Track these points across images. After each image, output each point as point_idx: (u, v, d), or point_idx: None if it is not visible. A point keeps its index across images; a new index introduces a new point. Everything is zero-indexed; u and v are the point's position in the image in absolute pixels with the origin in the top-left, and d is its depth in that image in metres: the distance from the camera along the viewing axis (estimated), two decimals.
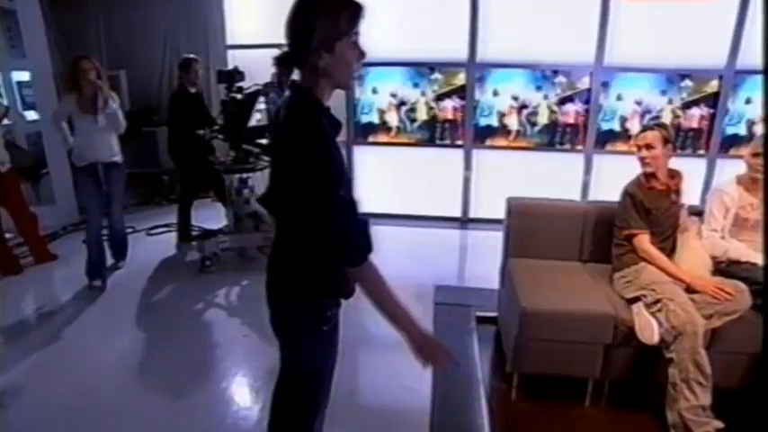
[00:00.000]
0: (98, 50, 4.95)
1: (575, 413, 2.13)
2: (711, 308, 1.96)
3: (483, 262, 3.27)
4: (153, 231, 4.25)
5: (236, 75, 3.55)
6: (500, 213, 2.63)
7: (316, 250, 1.15)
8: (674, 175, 2.23)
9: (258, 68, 3.61)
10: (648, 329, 1.98)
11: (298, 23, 1.06)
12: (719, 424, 1.85)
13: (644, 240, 2.17)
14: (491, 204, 3.57)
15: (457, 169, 4.52)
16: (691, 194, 2.37)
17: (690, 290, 2.03)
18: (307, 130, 1.04)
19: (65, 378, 2.34)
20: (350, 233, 1.11)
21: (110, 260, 3.47)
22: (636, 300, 2.09)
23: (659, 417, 1.97)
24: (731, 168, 2.73)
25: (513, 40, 4.20)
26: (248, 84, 3.53)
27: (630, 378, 2.14)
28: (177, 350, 2.59)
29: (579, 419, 2.11)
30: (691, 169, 2.63)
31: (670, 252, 2.20)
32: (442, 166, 4.55)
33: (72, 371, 2.39)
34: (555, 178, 4.32)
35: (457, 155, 4.49)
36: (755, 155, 2.17)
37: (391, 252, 3.94)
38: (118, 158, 3.21)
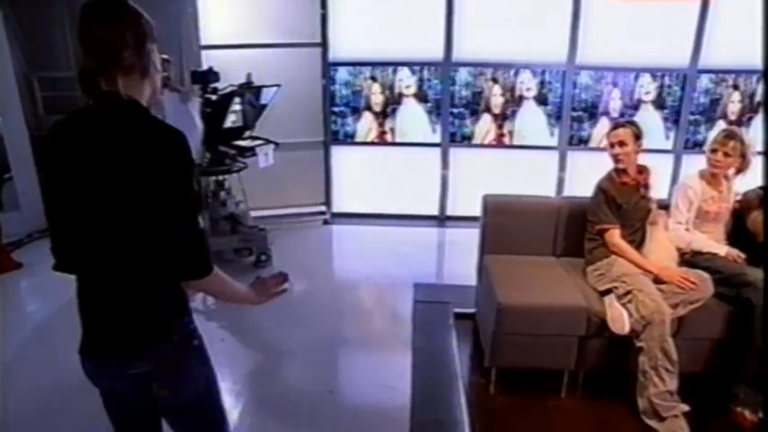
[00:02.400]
0: (65, 50, 4.78)
1: (551, 404, 2.19)
2: (677, 297, 2.04)
3: (461, 259, 3.32)
4: None
5: (211, 75, 3.49)
6: (477, 211, 2.67)
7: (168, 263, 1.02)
8: (643, 170, 2.31)
9: (233, 69, 3.58)
10: (620, 320, 2.04)
11: (124, 31, 0.99)
12: (685, 407, 1.93)
13: (614, 235, 2.24)
14: (468, 202, 3.62)
15: (434, 168, 4.56)
16: (658, 189, 2.46)
17: (657, 280, 2.11)
18: (180, 134, 0.97)
19: (36, 385, 2.27)
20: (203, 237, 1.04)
21: None
22: (608, 292, 2.16)
23: (631, 404, 2.04)
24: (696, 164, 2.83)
25: (487, 39, 4.26)
26: (223, 84, 3.48)
27: (604, 368, 2.20)
28: None
29: (556, 410, 2.16)
30: (658, 164, 2.74)
31: (639, 244, 2.28)
32: (419, 164, 4.58)
33: (44, 378, 2.32)
34: (531, 175, 4.40)
35: (434, 153, 4.53)
36: (713, 151, 2.27)
37: (370, 251, 3.96)
38: None
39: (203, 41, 4.30)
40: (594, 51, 4.21)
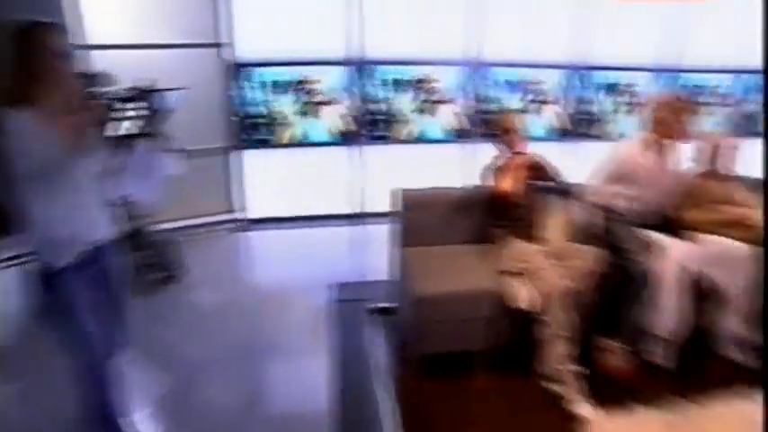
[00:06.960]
0: None
1: (473, 384, 2.26)
2: (571, 271, 2.24)
3: (377, 255, 3.32)
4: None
5: (96, 79, 3.17)
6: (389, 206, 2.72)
7: None
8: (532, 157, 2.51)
9: (125, 72, 3.27)
10: (522, 297, 2.20)
11: None
12: (581, 369, 2.14)
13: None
14: (382, 198, 3.68)
15: (345, 166, 4.58)
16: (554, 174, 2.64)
17: (553, 256, 2.30)
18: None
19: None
20: None
21: None
22: (510, 272, 2.32)
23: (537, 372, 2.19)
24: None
25: (400, 36, 4.34)
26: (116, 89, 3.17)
27: (512, 343, 2.34)
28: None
29: (474, 388, 2.24)
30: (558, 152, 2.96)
31: (530, 225, 2.47)
32: (330, 164, 4.57)
33: None
34: (435, 168, 4.55)
35: (345, 152, 4.55)
36: None
37: (287, 256, 3.87)
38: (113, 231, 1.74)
39: (89, 41, 3.91)
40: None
